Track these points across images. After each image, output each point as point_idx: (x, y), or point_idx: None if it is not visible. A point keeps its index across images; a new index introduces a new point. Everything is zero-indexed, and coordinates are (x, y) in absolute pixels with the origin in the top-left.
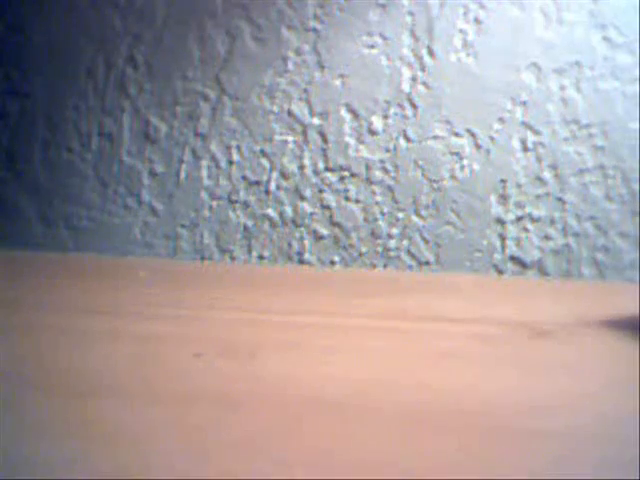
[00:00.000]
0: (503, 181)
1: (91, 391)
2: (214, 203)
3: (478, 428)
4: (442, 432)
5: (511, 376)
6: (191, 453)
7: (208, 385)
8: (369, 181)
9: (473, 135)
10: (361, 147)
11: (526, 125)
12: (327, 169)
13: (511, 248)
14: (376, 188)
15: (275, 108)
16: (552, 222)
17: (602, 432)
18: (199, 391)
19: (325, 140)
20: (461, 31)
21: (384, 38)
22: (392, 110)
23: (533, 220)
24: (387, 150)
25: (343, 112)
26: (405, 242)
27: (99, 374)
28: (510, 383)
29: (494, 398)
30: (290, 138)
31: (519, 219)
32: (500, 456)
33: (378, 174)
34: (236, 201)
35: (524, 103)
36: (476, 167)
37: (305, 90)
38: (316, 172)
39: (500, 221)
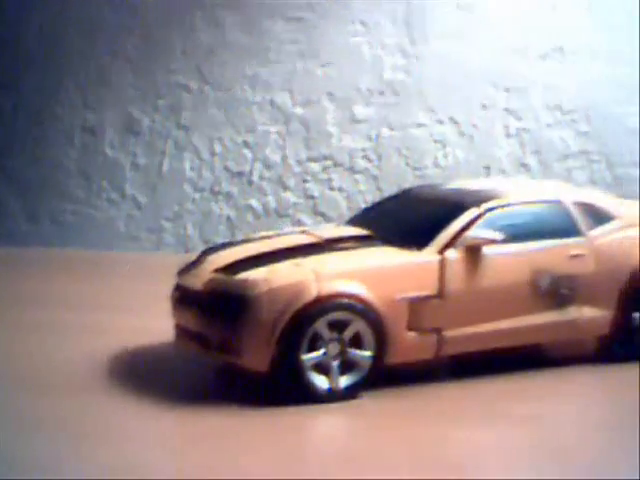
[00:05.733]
0: (487, 168)
1: None
2: (197, 195)
3: None
4: None
5: None
6: None
7: None
8: (352, 170)
9: (456, 122)
10: (344, 136)
11: (509, 111)
12: (310, 159)
13: None
14: (359, 177)
15: (258, 98)
16: None
17: None
18: None
19: (308, 130)
20: (444, 19)
21: (367, 26)
22: (375, 98)
23: None
24: (370, 139)
25: (326, 101)
26: None
27: None
28: None
29: None
30: (273, 128)
31: None
32: None
33: (361, 163)
34: (219, 192)
35: (507, 90)
36: (459, 154)
37: (288, 80)
38: (299, 162)
39: None
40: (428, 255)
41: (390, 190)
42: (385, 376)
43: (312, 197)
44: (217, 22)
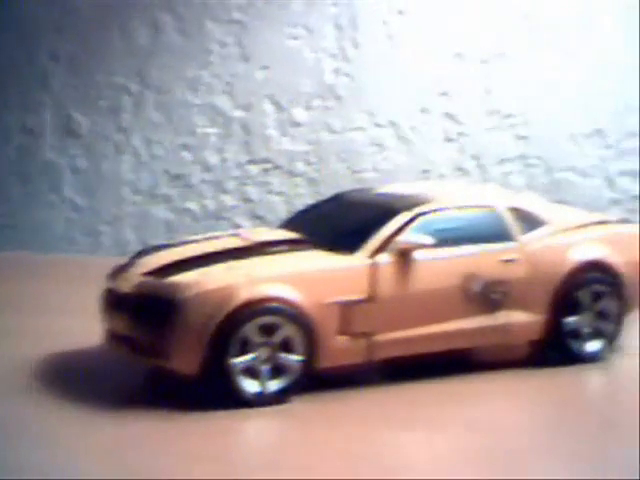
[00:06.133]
0: (425, 172)
1: None
2: (136, 198)
3: None
4: None
5: None
6: None
7: None
8: (292, 173)
9: (396, 126)
10: (284, 139)
11: (448, 116)
12: (249, 162)
13: None
14: (299, 180)
15: (198, 101)
16: None
17: None
18: None
19: (248, 133)
20: (384, 22)
21: (308, 30)
22: (315, 102)
23: None
24: (310, 142)
25: (266, 104)
26: None
27: None
28: None
29: None
30: (212, 131)
31: None
32: None
33: (301, 166)
34: (158, 195)
35: (446, 94)
36: (398, 158)
37: (228, 83)
38: (238, 165)
39: None
40: (359, 259)
41: (329, 194)
42: (316, 380)
43: (251, 200)
44: (156, 24)
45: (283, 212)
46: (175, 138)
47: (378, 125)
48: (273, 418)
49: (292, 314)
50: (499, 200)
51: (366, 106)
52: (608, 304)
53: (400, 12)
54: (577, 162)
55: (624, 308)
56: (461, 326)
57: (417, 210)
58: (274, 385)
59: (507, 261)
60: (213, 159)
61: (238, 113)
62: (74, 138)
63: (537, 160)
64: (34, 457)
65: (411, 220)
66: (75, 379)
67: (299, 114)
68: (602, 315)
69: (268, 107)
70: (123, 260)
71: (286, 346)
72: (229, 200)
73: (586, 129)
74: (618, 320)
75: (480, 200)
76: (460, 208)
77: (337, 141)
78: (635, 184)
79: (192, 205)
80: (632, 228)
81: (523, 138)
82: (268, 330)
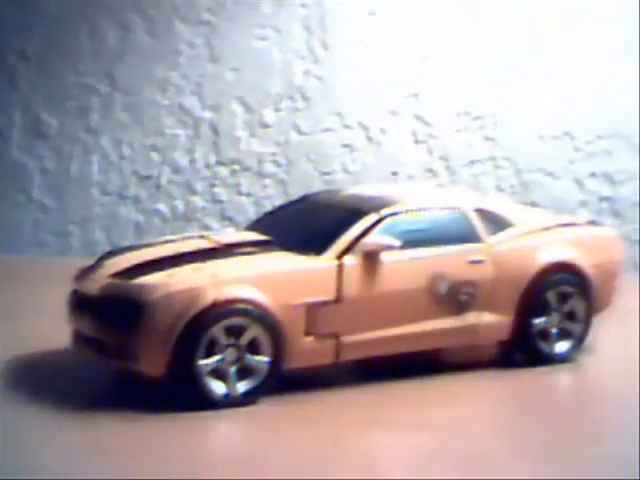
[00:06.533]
0: (394, 173)
1: None
2: (105, 199)
3: None
4: None
5: None
6: None
7: None
8: (261, 175)
9: (365, 128)
10: (253, 140)
11: (417, 117)
12: (219, 163)
13: None
14: (268, 181)
15: (166, 102)
16: None
17: None
18: None
19: (217, 134)
20: (354, 24)
21: (277, 31)
22: (284, 103)
23: None
24: (279, 143)
25: (235, 105)
26: None
27: None
28: None
29: None
30: (181, 132)
31: None
32: None
33: (270, 167)
34: (127, 196)
35: (415, 95)
36: (368, 159)
37: (197, 83)
38: (207, 166)
39: None
40: (326, 261)
41: (299, 195)
42: (285, 382)
43: (220, 201)
44: (125, 25)
45: (252, 213)
46: (144, 139)
47: (347, 126)
48: (241, 419)
49: (259, 315)
50: (466, 202)
51: (335, 108)
52: (576, 305)
53: (369, 14)
54: (546, 164)
55: (592, 309)
56: (429, 327)
57: (384, 212)
58: (242, 387)
59: (474, 262)
60: (182, 160)
61: (207, 114)
62: (42, 139)
63: (506, 162)
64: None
65: (378, 221)
66: (42, 382)
67: (268, 115)
68: (570, 316)
69: (237, 108)
70: (91, 261)
71: (253, 347)
72: (198, 201)
73: (555, 131)
74: (586, 321)
75: (447, 202)
76: (427, 210)
77: (306, 142)
78: (604, 186)
79: (161, 206)
80: (599, 230)
81: (492, 140)
82: (235, 332)
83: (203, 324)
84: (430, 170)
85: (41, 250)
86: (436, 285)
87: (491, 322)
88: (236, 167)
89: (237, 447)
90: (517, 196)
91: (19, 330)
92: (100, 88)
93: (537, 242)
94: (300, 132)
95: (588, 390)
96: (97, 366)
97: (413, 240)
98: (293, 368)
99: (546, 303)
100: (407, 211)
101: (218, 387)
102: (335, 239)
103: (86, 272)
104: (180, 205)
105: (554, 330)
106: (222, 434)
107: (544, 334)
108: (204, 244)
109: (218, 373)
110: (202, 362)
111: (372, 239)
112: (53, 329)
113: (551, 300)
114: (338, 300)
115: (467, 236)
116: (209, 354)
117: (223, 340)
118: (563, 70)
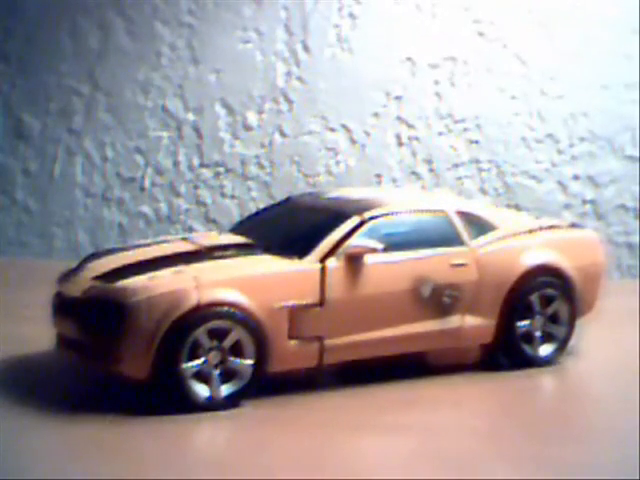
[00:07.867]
0: (378, 176)
1: None
2: (88, 201)
3: None
4: None
5: None
6: None
7: None
8: (245, 177)
9: (348, 130)
10: (236, 143)
11: (401, 120)
12: (202, 165)
13: None
14: (252, 184)
15: (149, 104)
16: None
17: None
18: None
19: (200, 136)
20: (336, 26)
21: (259, 33)
22: (267, 105)
23: None
24: (262, 146)
25: (218, 107)
26: None
27: None
28: None
29: None
30: (165, 134)
31: None
32: None
33: (254, 170)
34: (110, 198)
35: (399, 98)
36: (351, 162)
37: (180, 86)
38: (191, 168)
39: None
40: (309, 264)
41: (282, 197)
42: (269, 385)
43: (204, 204)
44: (106, 26)
45: (236, 215)
46: (127, 141)
47: (330, 129)
48: (224, 422)
49: (242, 318)
50: (449, 204)
51: (318, 110)
52: (559, 308)
53: (351, 16)
54: (529, 166)
55: (575, 312)
56: (412, 330)
57: (367, 214)
58: (225, 389)
59: (457, 265)
60: (165, 162)
61: (190, 116)
62: (25, 140)
63: (489, 164)
64: None
65: (361, 224)
66: (24, 384)
67: (251, 117)
68: (553, 319)
69: (220, 110)
70: (74, 263)
71: (236, 350)
72: (182, 203)
73: (538, 134)
74: (569, 324)
75: (430, 204)
76: (410, 212)
77: (289, 145)
78: (587, 189)
79: (145, 208)
80: (582, 233)
81: (475, 142)
82: (218, 334)
83: (186, 327)
84: (414, 173)
85: (24, 252)
86: (419, 288)
87: (475, 325)
88: (220, 169)
89: (220, 450)
90: (501, 199)
91: (1, 332)
92: (82, 89)
93: (520, 245)
94: (283, 134)
95: (572, 393)
96: (80, 368)
97: (396, 243)
98: (277, 371)
99: (529, 306)
100: (390, 214)
101: (201, 390)
102: (318, 242)
103: (69, 274)
104: (164, 207)
105: (538, 333)
106: (205, 437)
107: (528, 337)
108: (187, 247)
109: (201, 376)
110: (185, 365)
111: (355, 242)
112: (36, 331)
113: (534, 303)
114: (321, 303)
115: (450, 239)
116: (192, 357)
117: (206, 343)
118: (544, 73)
